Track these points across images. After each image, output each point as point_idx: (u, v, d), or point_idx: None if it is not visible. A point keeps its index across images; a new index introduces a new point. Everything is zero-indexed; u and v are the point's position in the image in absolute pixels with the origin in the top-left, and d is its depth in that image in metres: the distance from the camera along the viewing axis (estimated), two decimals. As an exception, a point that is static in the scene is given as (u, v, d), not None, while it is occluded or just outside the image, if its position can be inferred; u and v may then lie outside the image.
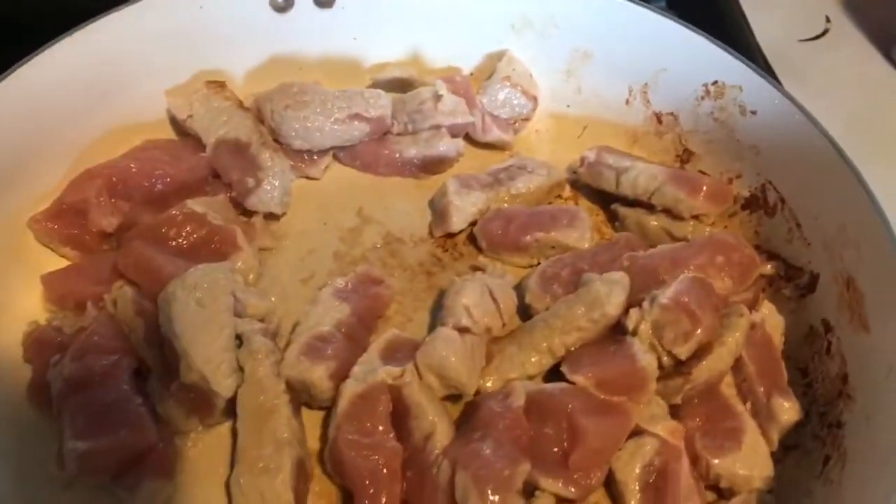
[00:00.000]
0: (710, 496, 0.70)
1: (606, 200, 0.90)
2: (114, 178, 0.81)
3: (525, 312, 0.79)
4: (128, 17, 0.84)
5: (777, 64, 1.08)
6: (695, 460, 0.69)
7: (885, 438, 0.62)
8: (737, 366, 0.73)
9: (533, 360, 0.74)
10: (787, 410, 0.71)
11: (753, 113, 0.83)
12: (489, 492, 0.62)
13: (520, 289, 0.80)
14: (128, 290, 0.74)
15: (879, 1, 1.20)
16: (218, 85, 0.88)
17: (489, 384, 0.73)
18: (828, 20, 1.20)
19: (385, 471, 0.66)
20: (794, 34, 1.18)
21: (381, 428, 0.68)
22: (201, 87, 0.88)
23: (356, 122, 0.88)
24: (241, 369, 0.70)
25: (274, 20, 0.91)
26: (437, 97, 0.90)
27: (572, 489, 0.66)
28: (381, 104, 0.89)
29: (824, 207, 0.77)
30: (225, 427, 0.71)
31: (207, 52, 0.90)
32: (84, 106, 0.83)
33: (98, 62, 0.83)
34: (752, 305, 0.78)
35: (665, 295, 0.72)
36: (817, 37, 1.19)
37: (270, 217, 0.85)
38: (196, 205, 0.80)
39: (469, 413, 0.71)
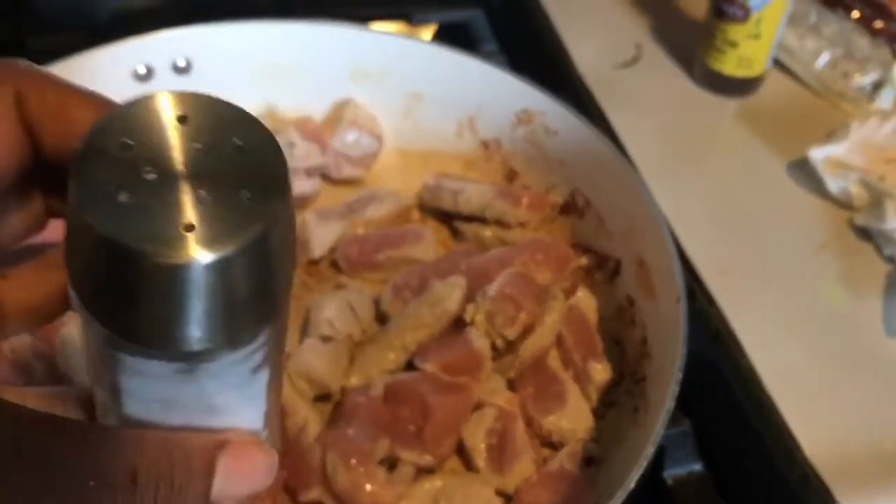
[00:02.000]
0: (546, 451, 0.84)
1: (449, 219, 1.04)
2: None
3: (382, 319, 0.92)
4: None
5: (598, 89, 1.23)
6: (529, 422, 0.83)
7: (668, 377, 0.76)
8: (558, 341, 0.88)
9: (390, 357, 0.86)
10: (600, 371, 0.85)
11: (556, 132, 0.99)
12: (353, 463, 0.74)
13: (377, 300, 0.93)
14: (24, 338, 0.83)
15: (681, 28, 1.34)
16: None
17: (353, 381, 0.85)
18: (638, 48, 1.35)
19: (266, 462, 0.77)
20: (609, 62, 1.31)
21: (260, 427, 0.79)
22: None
23: (221, 173, 1.00)
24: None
25: (138, 90, 1.02)
26: (291, 144, 1.02)
27: (427, 457, 0.79)
28: (243, 155, 1.01)
29: (618, 204, 0.93)
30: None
31: (81, 123, 1.00)
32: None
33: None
34: (572, 291, 0.93)
35: (493, 288, 0.86)
36: (630, 63, 1.33)
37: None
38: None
39: (337, 408, 0.83)
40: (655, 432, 0.68)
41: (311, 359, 0.81)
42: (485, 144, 1.07)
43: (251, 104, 1.09)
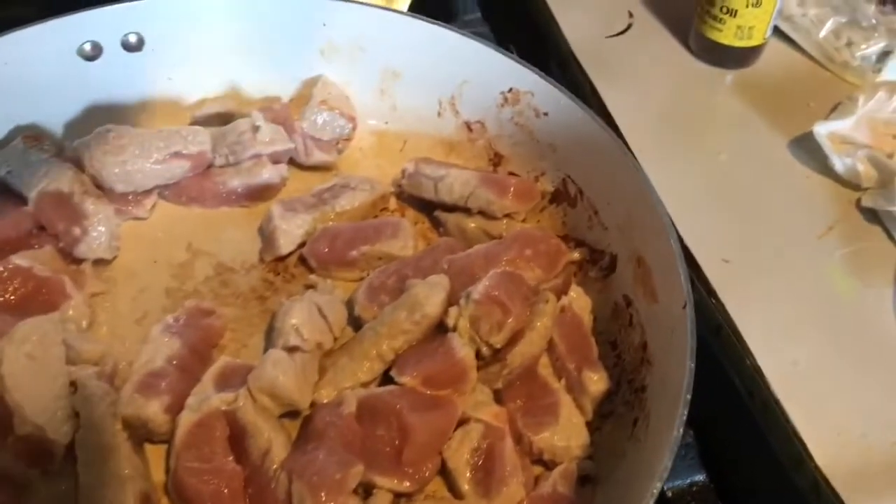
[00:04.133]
0: (538, 470, 0.76)
1: (429, 208, 0.95)
2: (-68, 243, 0.82)
3: (356, 324, 0.84)
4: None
5: (588, 62, 1.15)
6: (518, 438, 0.75)
7: (671, 395, 0.69)
8: (550, 347, 0.80)
9: (365, 367, 0.78)
10: (596, 381, 0.78)
11: (546, 114, 0.90)
12: (323, 496, 0.66)
13: (349, 302, 0.85)
14: (-44, 353, 0.75)
15: None
16: (34, 138, 0.90)
17: (324, 396, 0.77)
18: (630, 16, 1.27)
19: (226, 492, 0.69)
20: (601, 31, 1.23)
21: (219, 452, 0.71)
22: (18, 142, 0.89)
23: (177, 160, 0.91)
24: (77, 415, 0.72)
25: (85, 69, 0.92)
26: (255, 127, 0.93)
27: (407, 483, 0.71)
28: (200, 140, 0.92)
29: (613, 194, 0.85)
30: (69, 471, 0.73)
31: (20, 107, 0.90)
32: None
33: None
34: (565, 290, 0.85)
35: (477, 290, 0.78)
36: (622, 32, 1.25)
37: (100, 262, 0.87)
38: (21, 259, 0.81)
39: (304, 426, 0.75)
40: (662, 466, 0.61)
41: (276, 373, 0.73)
42: (468, 126, 0.98)
43: (212, 83, 1.01)
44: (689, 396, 0.65)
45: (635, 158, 0.82)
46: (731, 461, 0.83)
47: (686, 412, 0.64)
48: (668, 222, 0.76)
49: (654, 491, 0.60)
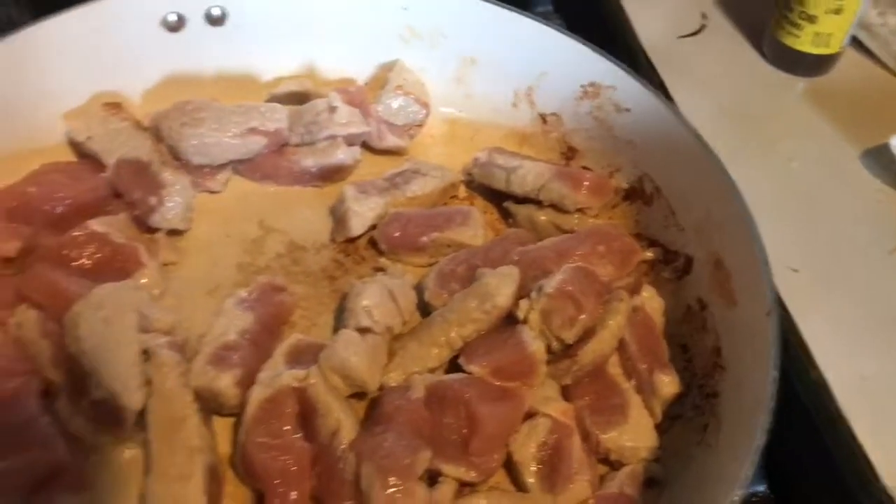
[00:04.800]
0: (603, 469, 0.76)
1: (499, 198, 0.95)
2: (13, 203, 0.82)
3: (424, 309, 0.83)
4: (20, 43, 0.86)
5: (658, 60, 1.14)
6: (585, 436, 0.74)
7: (751, 399, 0.68)
8: (621, 346, 0.79)
9: (433, 353, 0.78)
10: (668, 384, 0.76)
11: (627, 110, 0.89)
12: (391, 480, 0.65)
13: (419, 287, 0.84)
14: (32, 313, 0.76)
15: None
16: (115, 106, 0.90)
17: (392, 380, 0.76)
18: (704, 17, 1.25)
19: (294, 469, 0.69)
20: (673, 31, 1.22)
21: (288, 429, 0.71)
22: (99, 109, 0.90)
23: (253, 136, 0.91)
24: (149, 383, 0.72)
25: (167, 40, 0.93)
26: (332, 108, 0.93)
27: (473, 473, 0.71)
28: (278, 117, 0.92)
29: (693, 194, 0.83)
30: (136, 440, 0.73)
31: (103, 74, 0.91)
32: (-22, 132, 0.84)
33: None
34: (636, 290, 0.84)
35: (551, 284, 0.77)
36: (694, 33, 1.23)
37: (174, 233, 0.87)
38: (98, 224, 0.82)
39: (372, 409, 0.75)
40: (743, 474, 0.59)
41: (348, 353, 0.72)
42: (543, 118, 0.97)
43: (289, 61, 1.00)
44: (772, 405, 0.64)
45: (719, 159, 0.80)
46: (794, 475, 0.81)
47: (769, 420, 0.63)
48: (753, 225, 0.75)
49: (735, 498, 0.59)
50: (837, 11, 1.04)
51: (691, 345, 0.81)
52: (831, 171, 1.02)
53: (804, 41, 1.09)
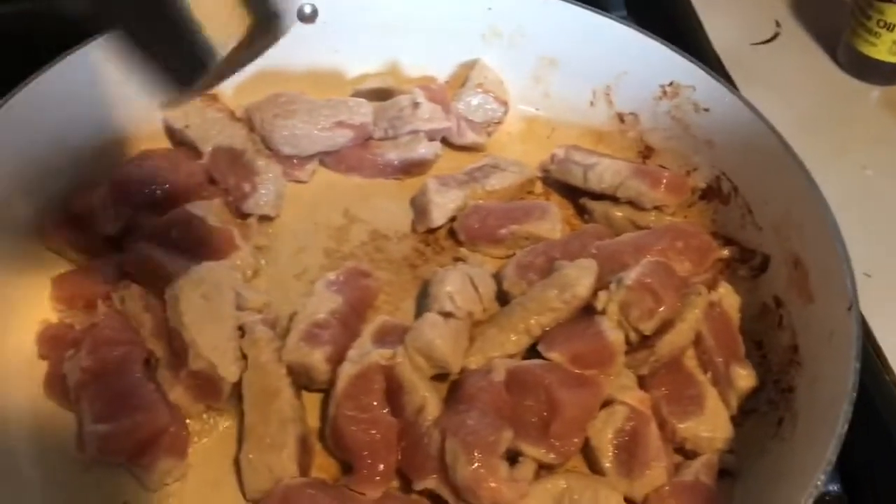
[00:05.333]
0: (677, 458, 0.77)
1: (575, 195, 0.96)
2: (116, 187, 0.87)
3: (503, 298, 0.85)
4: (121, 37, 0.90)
5: (731, 66, 1.14)
6: (662, 425, 0.76)
7: (828, 395, 0.68)
8: (697, 340, 0.80)
9: (512, 339, 0.80)
10: (744, 378, 0.78)
11: (706, 110, 0.91)
12: (476, 454, 0.68)
13: (498, 277, 0.87)
14: (135, 288, 0.80)
15: (825, 6, 1.25)
16: (211, 97, 0.95)
17: (472, 363, 0.79)
18: (778, 25, 1.26)
19: (381, 442, 0.72)
20: (746, 38, 1.23)
21: (376, 404, 0.74)
22: (196, 100, 0.94)
23: (341, 129, 0.95)
24: (244, 357, 0.76)
25: (261, 36, 0.97)
26: (415, 104, 0.96)
27: (552, 455, 0.73)
28: (364, 112, 0.96)
29: (772, 194, 0.84)
30: (232, 410, 0.77)
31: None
32: (86, 120, 0.89)
33: (96, 80, 0.89)
34: (711, 286, 0.85)
35: (630, 277, 0.79)
36: (768, 40, 1.24)
37: (264, 219, 0.91)
38: (194, 208, 0.86)
39: (455, 389, 0.77)
40: (826, 460, 0.60)
41: (433, 335, 0.75)
42: (620, 117, 0.99)
43: (374, 59, 1.03)
44: (854, 394, 0.65)
45: (800, 160, 0.81)
46: (867, 477, 0.82)
47: (851, 409, 0.64)
48: (834, 224, 0.76)
49: (818, 483, 0.60)
50: (917, 19, 1.04)
51: (766, 341, 0.82)
52: (906, 179, 1.03)
53: (881, 49, 1.09)
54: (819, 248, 0.77)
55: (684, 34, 1.19)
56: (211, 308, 0.76)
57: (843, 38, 1.14)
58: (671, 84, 0.93)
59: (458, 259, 0.90)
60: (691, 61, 0.90)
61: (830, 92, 1.16)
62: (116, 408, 0.71)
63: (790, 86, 1.15)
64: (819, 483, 0.60)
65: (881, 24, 1.07)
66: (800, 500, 0.60)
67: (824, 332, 0.73)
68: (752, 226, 0.87)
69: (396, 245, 0.92)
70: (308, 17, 0.98)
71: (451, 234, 0.93)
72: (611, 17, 0.95)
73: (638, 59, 0.94)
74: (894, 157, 1.06)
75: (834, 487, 0.81)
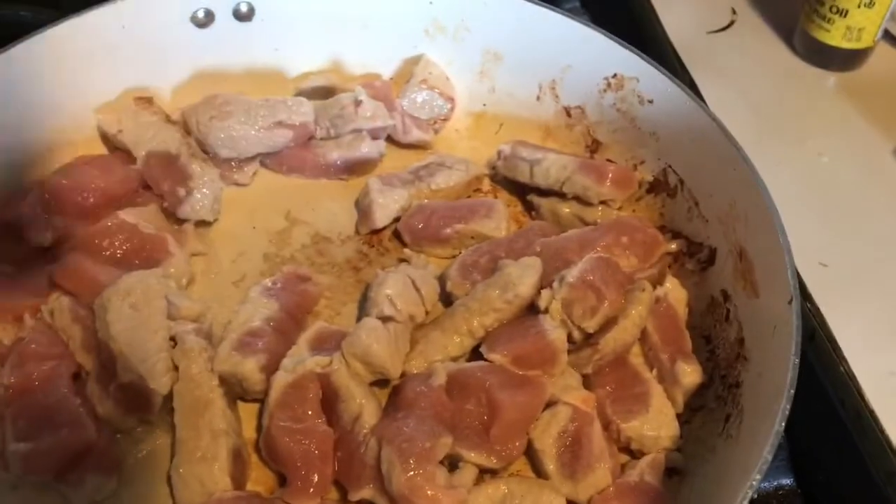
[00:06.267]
0: (624, 458, 0.75)
1: (523, 191, 0.95)
2: (47, 195, 0.84)
3: (447, 300, 0.84)
4: (52, 39, 0.88)
5: (687, 56, 1.13)
6: (607, 425, 0.74)
7: (772, 388, 0.67)
8: (643, 336, 0.79)
9: (455, 341, 0.78)
10: (690, 374, 0.76)
11: (650, 102, 0.89)
12: (412, 462, 0.66)
13: (442, 278, 0.85)
14: (64, 300, 0.78)
15: None
16: (145, 101, 0.92)
17: (414, 367, 0.77)
18: (734, 12, 1.25)
19: (317, 453, 0.70)
20: (702, 26, 1.21)
21: (311, 413, 0.72)
22: (130, 103, 0.92)
23: (280, 130, 0.93)
24: (176, 368, 0.74)
25: (196, 36, 0.95)
26: (357, 102, 0.94)
27: (493, 459, 0.71)
28: (304, 111, 0.94)
29: (716, 185, 0.83)
30: (165, 423, 0.75)
31: (133, 70, 0.93)
32: (15, 126, 0.86)
33: (26, 83, 0.86)
34: (659, 281, 0.84)
35: (572, 274, 0.77)
36: (724, 28, 1.23)
37: (201, 224, 0.89)
38: (128, 215, 0.84)
39: (394, 396, 0.75)
40: (762, 459, 0.59)
41: (370, 340, 0.73)
42: (567, 111, 0.98)
43: (316, 57, 1.01)
44: (792, 391, 0.63)
45: (742, 150, 0.80)
46: (821, 469, 0.81)
47: (788, 407, 0.62)
48: (777, 215, 0.74)
49: (754, 482, 0.59)
50: (870, 4, 1.03)
51: (714, 336, 0.81)
52: (862, 166, 1.02)
53: (835, 35, 1.08)
54: (762, 240, 0.75)
55: (638, 23, 1.18)
56: (140, 318, 0.74)
57: (799, 25, 1.13)
58: (615, 76, 0.91)
59: (402, 260, 0.88)
60: (634, 52, 0.89)
61: (786, 79, 1.15)
62: (40, 425, 0.69)
63: (746, 74, 1.14)
64: (755, 483, 0.59)
65: (834, 9, 1.06)
66: (734, 501, 0.58)
67: (768, 327, 0.72)
68: (699, 218, 0.86)
69: (339, 248, 0.90)
70: (245, 16, 0.95)
71: (396, 235, 0.91)
72: (553, 10, 0.93)
73: (582, 51, 0.93)
74: (850, 144, 1.05)
75: (787, 481, 0.80)
